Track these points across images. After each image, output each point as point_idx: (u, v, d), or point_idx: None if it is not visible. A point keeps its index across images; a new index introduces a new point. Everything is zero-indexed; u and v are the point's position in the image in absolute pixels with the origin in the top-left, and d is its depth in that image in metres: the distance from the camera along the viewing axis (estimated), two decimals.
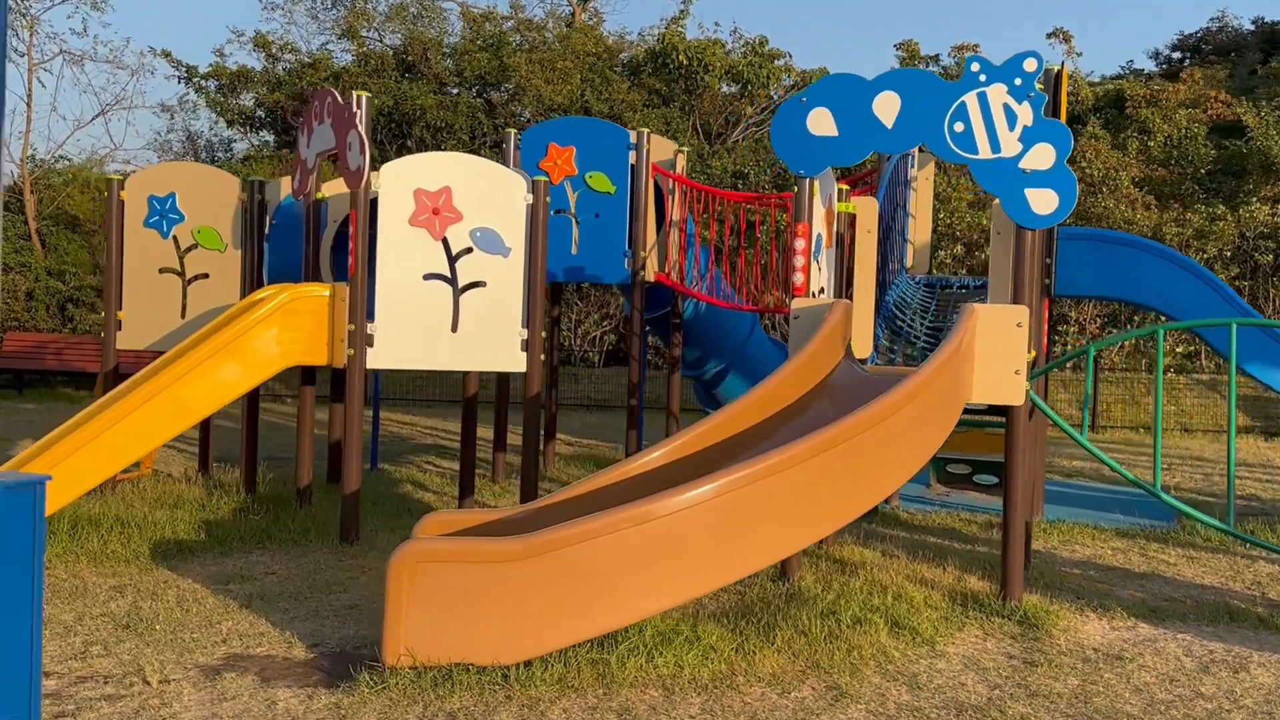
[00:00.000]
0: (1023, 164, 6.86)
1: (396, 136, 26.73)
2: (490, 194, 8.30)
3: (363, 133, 7.73)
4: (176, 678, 5.22)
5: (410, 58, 28.69)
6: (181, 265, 9.64)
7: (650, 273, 11.00)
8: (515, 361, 8.47)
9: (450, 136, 26.36)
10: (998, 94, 6.88)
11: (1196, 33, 45.96)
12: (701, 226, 11.28)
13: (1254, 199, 23.10)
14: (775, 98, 27.26)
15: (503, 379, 10.45)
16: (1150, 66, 41.76)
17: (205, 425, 10.52)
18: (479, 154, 27.16)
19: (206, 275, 9.61)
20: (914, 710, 5.08)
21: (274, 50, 29.65)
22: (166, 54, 29.33)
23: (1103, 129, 31.88)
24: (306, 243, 8.94)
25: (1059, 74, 9.81)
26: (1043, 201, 6.85)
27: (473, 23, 30.64)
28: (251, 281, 9.58)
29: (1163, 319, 13.49)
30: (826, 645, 5.80)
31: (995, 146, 6.89)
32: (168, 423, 7.72)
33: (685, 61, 26.07)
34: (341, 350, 7.98)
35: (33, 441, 9.92)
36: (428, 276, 8.18)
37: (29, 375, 20.88)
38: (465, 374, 9.51)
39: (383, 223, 8.00)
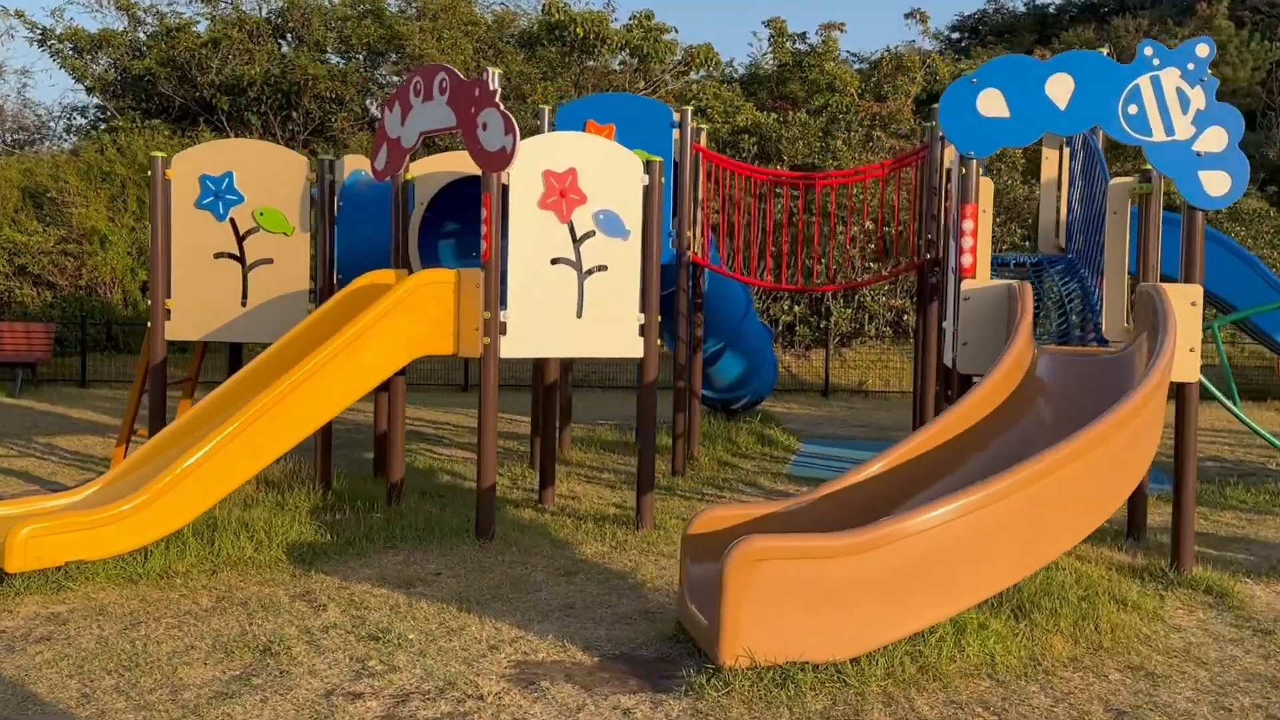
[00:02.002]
0: (1196, 146, 7.03)
1: (281, 108, 25.66)
2: (611, 175, 8.04)
3: (504, 111, 7.36)
4: (496, 690, 4.91)
5: (289, 24, 27.52)
6: (241, 250, 8.99)
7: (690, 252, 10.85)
8: (633, 347, 8.24)
9: (341, 109, 25.44)
10: (1170, 78, 7.03)
11: (975, 14, 48.10)
12: (741, 207, 11.17)
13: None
14: (661, 74, 27.26)
15: (539, 365, 10.09)
16: (931, 46, 42.94)
17: None
18: (373, 126, 26.28)
19: (270, 260, 8.98)
20: (1230, 686, 5.18)
21: (138, 12, 27.99)
22: (20, 14, 27.40)
23: None
24: (396, 226, 8.47)
25: None
26: (1216, 183, 7.04)
27: None
28: (325, 267, 9.03)
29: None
30: (1087, 626, 5.85)
31: (1169, 129, 7.04)
32: (305, 420, 7.22)
33: (582, 34, 25.78)
34: (476, 339, 7.60)
35: None
36: (555, 261, 7.87)
37: None
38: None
39: (514, 205, 7.65)
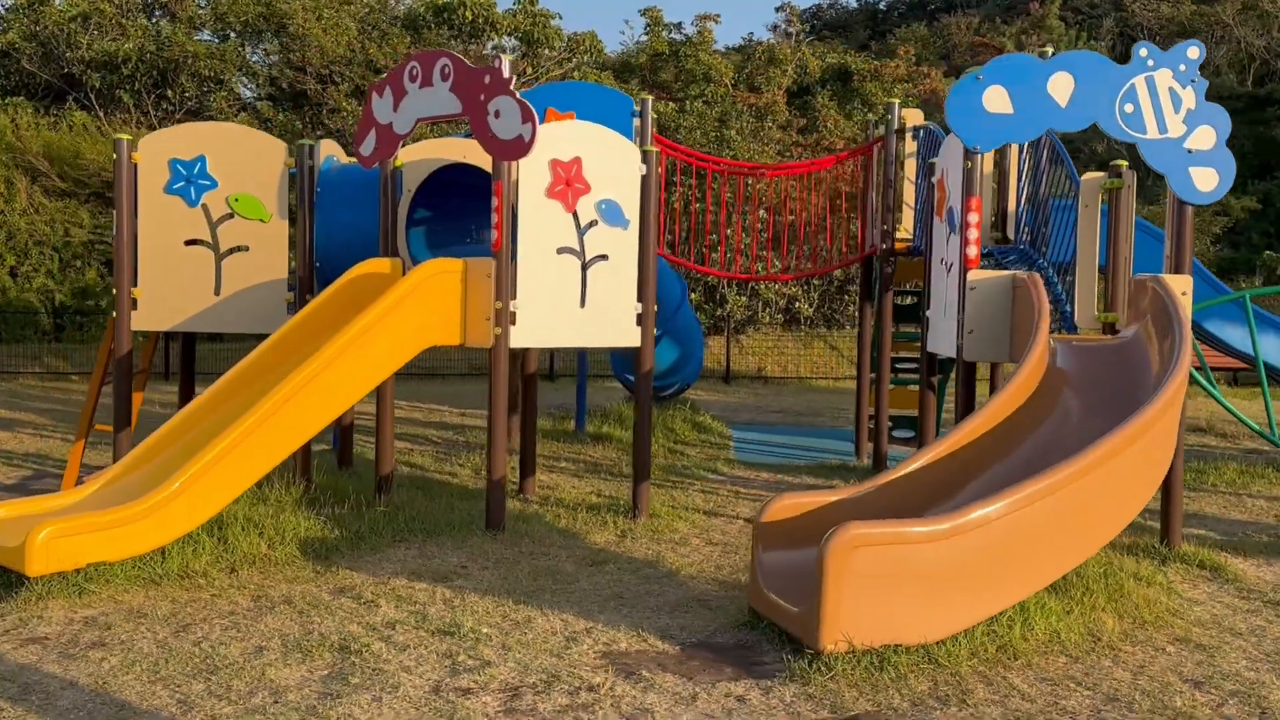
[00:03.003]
0: (1187, 144, 7.39)
1: (156, 86, 24.67)
2: (613, 165, 8.03)
3: (521, 99, 7.29)
4: (601, 681, 4.91)
5: None
6: (214, 237, 8.67)
7: None
8: (630, 336, 8.26)
9: (221, 88, 24.60)
10: (1164, 78, 7.37)
11: (810, 9, 49.33)
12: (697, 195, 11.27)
13: None
14: (548, 60, 27.15)
15: (516, 355, 10.00)
16: (769, 38, 43.46)
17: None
18: (255, 108, 25.51)
19: (246, 248, 8.67)
20: (1275, 655, 5.52)
21: None
22: None
23: (830, 100, 33.91)
24: (385, 214, 8.29)
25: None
26: (1205, 179, 7.41)
27: None
28: (306, 255, 8.78)
29: None
30: (1123, 603, 6.11)
31: (1162, 127, 7.39)
32: (319, 413, 7.04)
33: (470, 17, 25.47)
34: (486, 329, 7.52)
35: None
36: (560, 250, 7.84)
37: None
38: (526, 351, 9.12)
39: (523, 194, 7.60)
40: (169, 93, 24.56)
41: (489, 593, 6.26)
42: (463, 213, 9.16)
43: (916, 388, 12.02)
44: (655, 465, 10.77)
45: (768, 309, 22.90)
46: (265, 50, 25.83)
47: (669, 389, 14.70)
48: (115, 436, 8.75)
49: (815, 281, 23.24)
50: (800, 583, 5.38)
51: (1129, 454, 5.61)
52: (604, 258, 8.04)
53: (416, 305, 7.43)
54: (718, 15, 34.29)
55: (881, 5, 51.16)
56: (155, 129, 17.73)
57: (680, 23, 34.21)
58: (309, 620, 5.74)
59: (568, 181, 7.80)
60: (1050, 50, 7.78)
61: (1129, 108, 7.37)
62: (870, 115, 33.68)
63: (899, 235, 10.82)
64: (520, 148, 7.31)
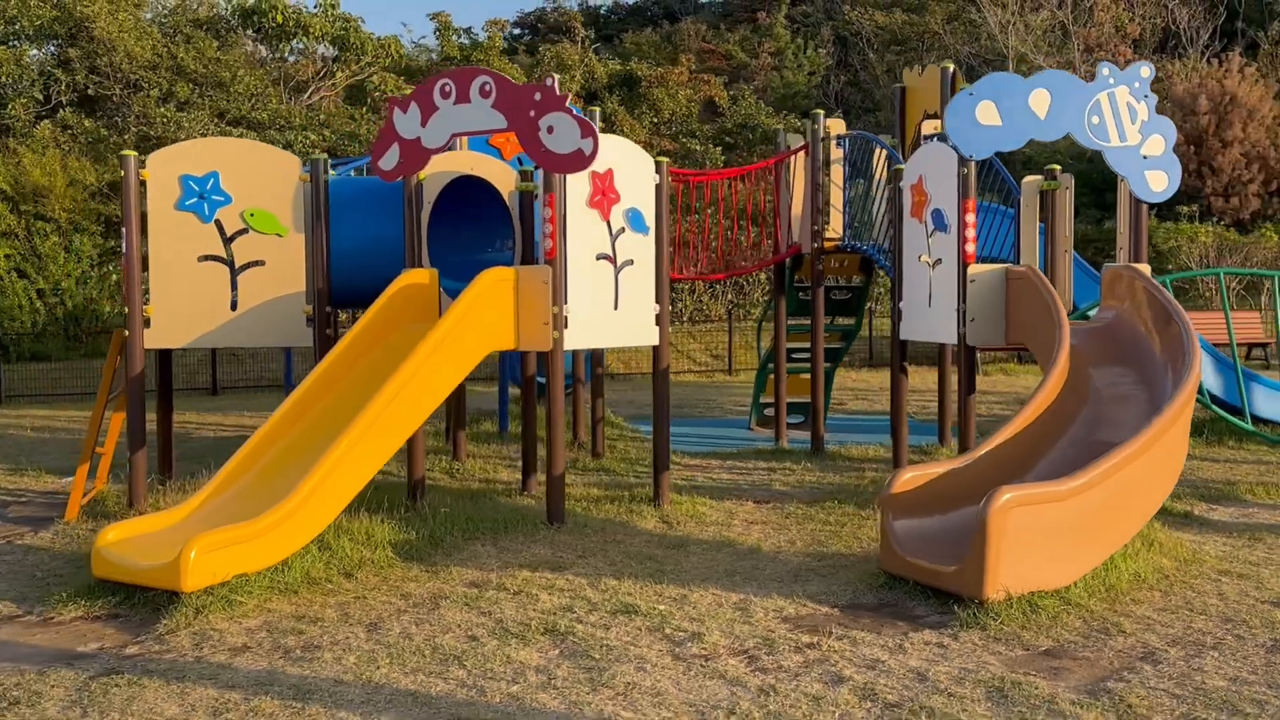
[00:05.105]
0: (1143, 151, 8.56)
1: None
2: (636, 175, 8.58)
3: (577, 116, 7.74)
4: (812, 639, 5.52)
5: None
6: (229, 252, 8.67)
7: None
8: (652, 335, 8.83)
9: (19, 95, 23.33)
10: (1122, 94, 8.51)
11: (534, 12, 50.57)
12: None
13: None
14: (361, 66, 27.01)
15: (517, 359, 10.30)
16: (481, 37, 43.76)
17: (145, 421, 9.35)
18: (61, 115, 24.26)
19: (262, 263, 8.71)
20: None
21: None
22: None
23: (619, 105, 35.05)
24: (411, 226, 8.55)
25: (953, 73, 11.69)
26: (1157, 181, 8.60)
27: None
28: (322, 268, 8.87)
29: None
30: (1154, 545, 7.14)
31: (1122, 136, 8.53)
32: (412, 419, 7.32)
33: (281, 20, 25.08)
34: (544, 333, 7.94)
35: None
36: (599, 257, 8.33)
37: None
38: (524, 354, 9.51)
39: (569, 204, 8.06)
40: None
41: (616, 576, 6.74)
42: (460, 223, 9.47)
43: (803, 375, 13.04)
44: (621, 458, 11.35)
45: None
46: (65, 55, 24.61)
47: (569, 386, 15.21)
48: (132, 457, 8.66)
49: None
50: (945, 544, 6.16)
51: (1179, 422, 6.64)
52: (630, 262, 8.58)
53: (480, 313, 7.78)
54: (507, 20, 34.75)
55: (602, 10, 52.74)
56: None
57: (470, 27, 34.20)
58: (482, 611, 6.09)
59: (604, 192, 8.30)
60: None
61: (1095, 119, 8.47)
62: (655, 118, 35.11)
63: (827, 235, 11.74)
64: (580, 161, 7.76)
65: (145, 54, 23.55)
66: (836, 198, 11.80)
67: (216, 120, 23.42)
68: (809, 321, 12.99)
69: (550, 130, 7.84)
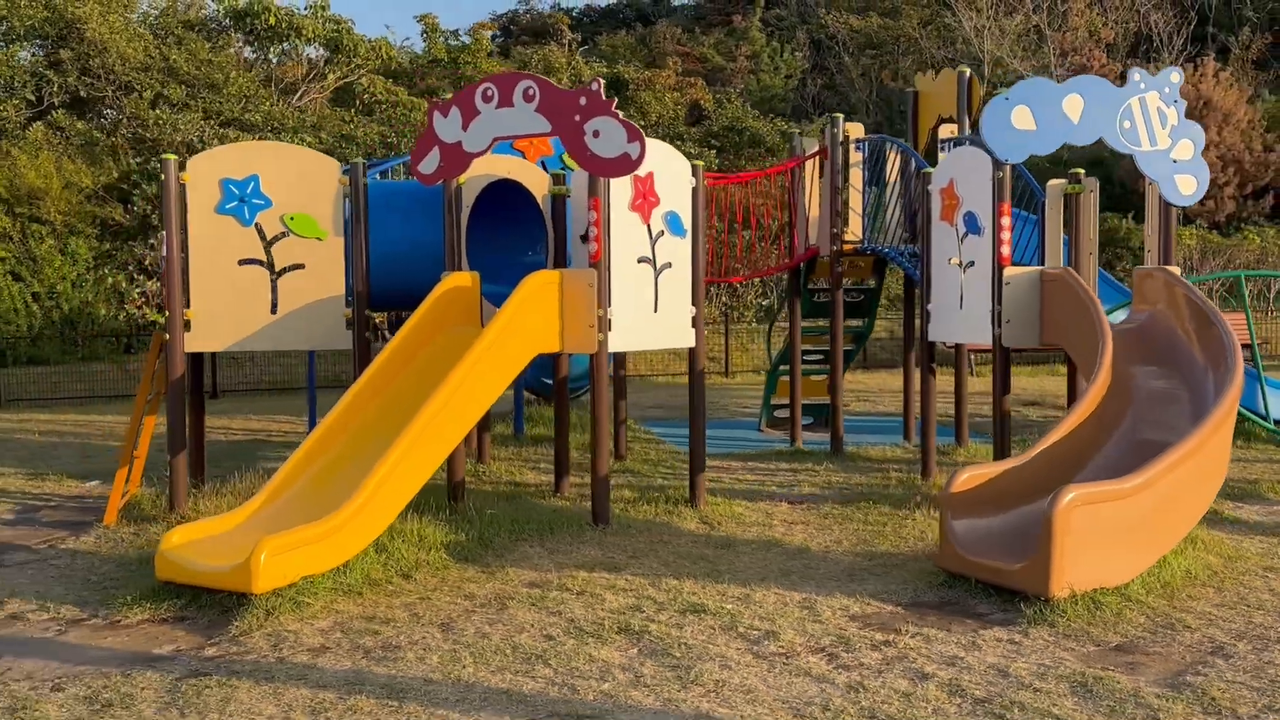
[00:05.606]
0: (1173, 155, 8.71)
1: None
2: (675, 179, 8.66)
3: (624, 120, 7.80)
4: (884, 637, 5.62)
5: None
6: (269, 256, 8.70)
7: None
8: (688, 337, 8.92)
9: (12, 96, 23.18)
10: (1153, 99, 8.66)
11: (506, 14, 50.63)
12: None
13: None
14: (354, 68, 26.96)
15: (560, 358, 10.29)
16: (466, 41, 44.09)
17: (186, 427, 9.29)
18: (53, 117, 24.10)
19: (301, 266, 8.73)
20: None
21: None
22: None
23: None
24: (451, 229, 8.60)
25: (970, 78, 11.83)
26: (1187, 185, 8.75)
27: None
28: (361, 271, 8.89)
29: None
30: (1209, 547, 7.26)
31: (1153, 140, 8.67)
32: (461, 426, 7.37)
33: (274, 22, 25.03)
34: (590, 335, 8.01)
35: None
36: (640, 260, 8.41)
37: None
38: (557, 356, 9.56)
39: (612, 208, 8.13)
40: None
41: (675, 576, 6.82)
42: (496, 226, 9.53)
43: (818, 378, 13.17)
44: (625, 463, 11.42)
45: None
46: (57, 56, 24.47)
47: (582, 389, 15.29)
48: (172, 460, 8.68)
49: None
50: (1004, 542, 6.27)
51: (1226, 424, 6.78)
52: (669, 265, 8.67)
53: (527, 317, 7.84)
54: (494, 24, 34.76)
55: (574, 12, 52.93)
56: None
57: (458, 29, 34.24)
58: (552, 611, 6.15)
59: (644, 195, 8.38)
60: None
61: (1127, 124, 8.61)
62: (642, 122, 35.19)
63: (846, 237, 11.85)
64: (627, 165, 7.83)
65: (137, 55, 23.45)
66: (855, 201, 11.90)
67: (209, 122, 23.35)
68: (821, 323, 13.13)
69: (596, 134, 7.91)
